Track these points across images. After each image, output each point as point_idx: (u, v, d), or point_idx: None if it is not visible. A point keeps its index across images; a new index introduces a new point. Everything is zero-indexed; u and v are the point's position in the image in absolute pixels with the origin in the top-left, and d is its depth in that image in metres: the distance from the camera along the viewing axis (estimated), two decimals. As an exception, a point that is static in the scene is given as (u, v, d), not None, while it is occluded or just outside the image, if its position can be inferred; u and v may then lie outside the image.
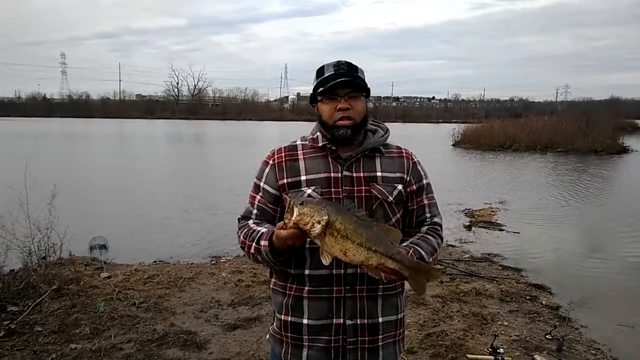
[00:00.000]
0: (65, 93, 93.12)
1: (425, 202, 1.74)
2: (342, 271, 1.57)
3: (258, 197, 1.69)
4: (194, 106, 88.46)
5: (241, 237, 1.66)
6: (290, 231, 1.43)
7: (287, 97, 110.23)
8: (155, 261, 6.34)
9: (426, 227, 1.72)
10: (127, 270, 5.58)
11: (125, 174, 16.17)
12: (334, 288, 1.58)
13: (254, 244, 1.58)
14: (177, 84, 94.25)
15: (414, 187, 1.71)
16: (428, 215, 1.73)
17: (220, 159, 22.07)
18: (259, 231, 1.59)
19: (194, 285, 5.18)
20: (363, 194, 1.60)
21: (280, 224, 1.48)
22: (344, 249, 1.40)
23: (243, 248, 1.65)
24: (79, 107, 79.49)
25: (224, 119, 74.18)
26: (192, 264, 6.15)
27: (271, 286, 1.74)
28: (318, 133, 1.68)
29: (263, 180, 1.69)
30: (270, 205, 1.68)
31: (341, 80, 1.59)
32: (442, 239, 1.74)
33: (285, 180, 1.64)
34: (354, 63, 1.67)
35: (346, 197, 1.59)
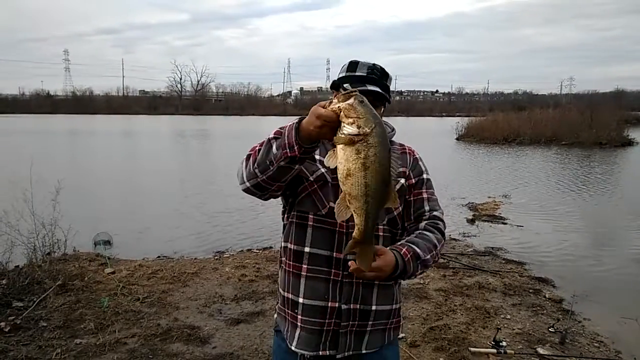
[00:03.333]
0: (69, 89, 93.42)
1: (425, 195, 1.73)
2: (342, 256, 1.59)
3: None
4: (197, 102, 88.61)
5: (253, 146, 1.51)
6: (329, 112, 1.27)
7: (290, 92, 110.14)
8: (159, 256, 6.37)
9: (425, 222, 1.70)
10: (131, 266, 5.60)
11: (129, 169, 16.23)
12: (332, 270, 1.60)
13: (271, 135, 1.44)
14: (180, 79, 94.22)
15: (413, 180, 1.72)
16: (427, 208, 1.71)
17: (223, 154, 22.08)
18: (271, 135, 1.44)
19: (197, 280, 5.20)
20: None
21: (324, 102, 1.32)
22: (352, 173, 1.27)
23: (250, 155, 1.50)
24: (82, 104, 79.84)
25: (227, 114, 74.29)
26: (195, 259, 6.17)
27: (281, 264, 1.74)
28: None
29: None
30: None
31: (369, 90, 1.59)
32: (442, 233, 1.71)
33: None
34: (386, 70, 1.68)
35: None
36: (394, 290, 1.72)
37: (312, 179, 1.61)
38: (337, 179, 1.53)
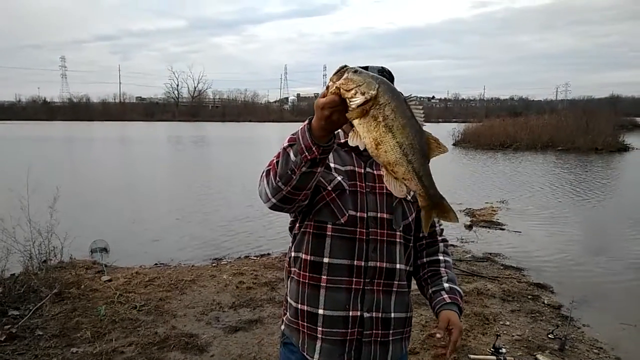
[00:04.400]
0: (66, 96, 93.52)
1: None
2: (363, 263, 1.57)
3: None
4: (194, 108, 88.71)
5: (271, 166, 1.44)
6: (330, 97, 1.21)
7: (287, 98, 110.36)
8: (156, 264, 6.34)
9: (441, 243, 1.81)
10: (128, 273, 5.57)
11: (126, 177, 16.19)
12: (354, 279, 1.57)
13: (285, 143, 1.38)
14: (177, 86, 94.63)
15: None
16: (437, 227, 1.82)
17: (220, 161, 22.08)
18: (293, 140, 1.37)
19: (195, 287, 5.17)
20: (385, 191, 1.62)
21: (322, 92, 1.26)
22: (380, 140, 1.18)
23: (269, 170, 1.44)
24: (79, 110, 79.87)
25: (224, 121, 74.32)
26: (192, 266, 6.14)
27: (290, 275, 1.70)
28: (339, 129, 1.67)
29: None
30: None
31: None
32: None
33: None
34: (393, 73, 1.69)
35: (369, 192, 1.61)
36: (409, 297, 1.71)
37: (330, 188, 1.58)
38: (355, 186, 1.59)
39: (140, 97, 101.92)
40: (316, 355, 1.60)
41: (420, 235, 1.78)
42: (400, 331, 1.68)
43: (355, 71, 1.19)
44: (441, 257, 1.80)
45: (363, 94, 1.16)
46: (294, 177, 1.36)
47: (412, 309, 1.75)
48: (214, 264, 6.25)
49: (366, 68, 1.66)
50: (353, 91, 1.16)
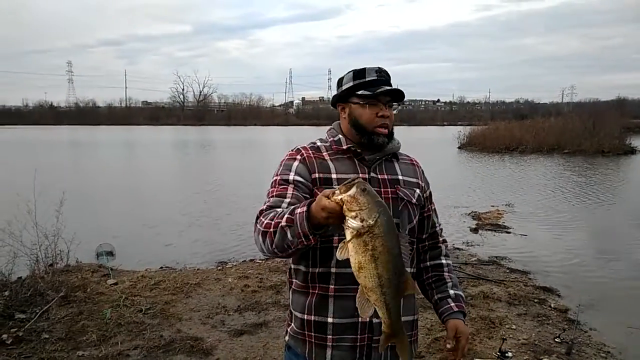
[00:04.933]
0: (72, 101, 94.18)
1: (433, 208, 1.84)
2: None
3: (290, 188, 1.57)
4: (200, 112, 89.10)
5: (265, 220, 1.48)
6: (332, 204, 1.27)
7: (292, 102, 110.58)
8: (161, 267, 6.35)
9: (442, 245, 1.85)
10: (133, 277, 5.59)
11: (132, 181, 16.25)
12: None
13: (286, 215, 1.41)
14: (183, 90, 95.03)
15: (427, 193, 1.79)
16: (438, 227, 1.85)
17: (226, 165, 22.13)
18: (295, 207, 1.42)
19: (200, 291, 5.18)
20: (390, 195, 1.63)
21: (329, 191, 1.31)
22: (363, 265, 1.27)
23: (266, 232, 1.46)
24: (85, 115, 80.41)
25: (230, 125, 74.50)
26: (198, 269, 6.15)
27: (292, 287, 1.70)
28: (340, 136, 1.68)
29: (293, 172, 1.60)
30: (306, 196, 1.56)
31: (388, 89, 1.61)
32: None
33: (317, 175, 1.61)
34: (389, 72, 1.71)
35: None
36: (414, 300, 1.72)
37: None
38: None
39: (146, 101, 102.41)
40: None
41: (423, 236, 1.80)
42: (409, 334, 1.68)
43: (364, 190, 1.25)
44: (444, 261, 1.83)
45: (362, 220, 1.23)
46: (290, 251, 1.45)
47: (418, 310, 1.75)
48: (219, 268, 6.25)
49: (363, 70, 1.67)
50: (354, 213, 1.23)
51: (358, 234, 1.25)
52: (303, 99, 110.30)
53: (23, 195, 5.60)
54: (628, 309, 4.99)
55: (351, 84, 1.68)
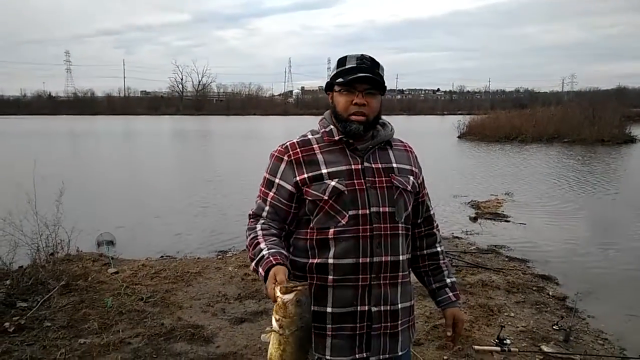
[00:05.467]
0: (70, 91, 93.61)
1: (426, 192, 1.84)
2: (368, 259, 1.58)
3: (271, 193, 1.67)
4: (199, 102, 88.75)
5: (247, 240, 1.64)
6: (271, 293, 1.41)
7: (291, 92, 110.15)
8: (162, 256, 6.38)
9: (438, 233, 1.87)
10: (134, 266, 5.61)
11: (132, 170, 16.25)
12: (360, 276, 1.59)
13: (253, 264, 1.57)
14: (182, 80, 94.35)
15: (420, 179, 1.79)
16: (431, 211, 1.86)
17: (225, 154, 22.11)
18: (261, 250, 1.55)
19: (200, 279, 5.21)
20: (385, 184, 1.63)
21: (280, 279, 1.41)
22: (271, 357, 1.38)
23: (249, 246, 1.63)
24: (84, 105, 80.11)
25: (229, 114, 74.28)
26: (198, 258, 6.18)
27: (290, 277, 1.68)
28: (332, 126, 1.67)
29: (278, 176, 1.66)
30: (284, 202, 1.65)
31: (361, 76, 1.59)
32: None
33: (305, 175, 1.62)
34: (376, 59, 1.67)
35: (370, 187, 1.61)
36: (410, 286, 1.75)
37: (326, 197, 1.59)
38: (352, 185, 1.60)
39: (145, 91, 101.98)
40: (327, 352, 1.62)
41: (418, 221, 1.81)
42: (407, 320, 1.72)
43: (298, 301, 1.34)
44: (439, 249, 1.85)
45: (281, 326, 1.35)
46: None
47: (414, 297, 1.78)
48: (219, 257, 6.28)
49: (345, 58, 1.66)
50: (278, 317, 1.35)
51: (277, 333, 1.36)
52: (302, 88, 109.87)
53: (23, 185, 5.60)
54: (627, 297, 5.03)
55: (334, 71, 1.68)
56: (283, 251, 1.56)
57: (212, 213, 9.32)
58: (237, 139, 30.04)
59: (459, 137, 28.73)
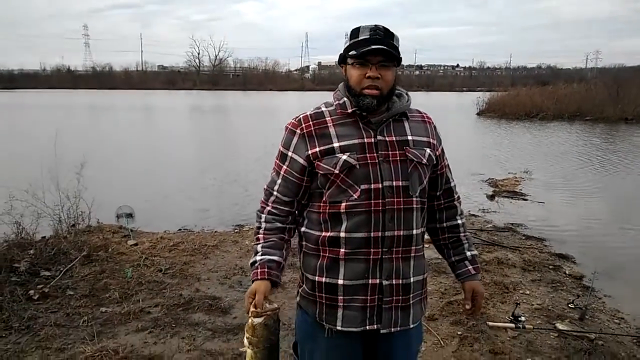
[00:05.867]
0: (89, 65, 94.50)
1: (446, 163, 1.81)
2: (380, 233, 1.58)
3: (284, 167, 1.68)
4: (215, 77, 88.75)
5: (255, 226, 1.75)
6: (247, 306, 1.59)
7: (308, 67, 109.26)
8: (180, 229, 6.48)
9: (458, 205, 1.86)
10: (153, 238, 5.72)
11: (150, 144, 16.41)
12: (372, 250, 1.59)
13: (250, 260, 1.70)
14: (199, 54, 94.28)
15: (439, 150, 1.75)
16: (452, 183, 1.82)
17: (243, 129, 22.14)
18: (256, 253, 1.68)
19: (217, 252, 5.29)
20: (398, 158, 1.60)
21: (258, 301, 1.57)
22: None
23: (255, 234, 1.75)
24: (102, 79, 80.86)
25: (245, 89, 74.17)
26: (215, 232, 6.26)
27: (303, 249, 1.73)
28: (345, 99, 1.64)
29: (291, 149, 1.66)
30: (296, 175, 1.66)
31: (374, 48, 1.53)
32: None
33: (317, 149, 1.61)
34: (391, 30, 1.61)
35: (382, 161, 1.59)
36: (424, 260, 1.74)
37: (337, 171, 1.58)
38: (365, 159, 1.58)
39: (162, 65, 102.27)
40: (339, 322, 1.64)
41: (438, 193, 1.78)
42: (420, 292, 1.72)
43: (266, 325, 1.54)
44: (459, 221, 1.83)
45: (250, 343, 1.54)
46: None
47: (426, 269, 1.77)
48: (236, 230, 6.36)
49: (358, 29, 1.61)
50: (248, 335, 1.54)
51: (248, 347, 1.56)
52: (319, 63, 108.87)
53: (45, 157, 5.70)
54: (644, 277, 4.97)
55: (347, 43, 1.62)
56: (275, 256, 1.65)
57: (230, 188, 9.39)
58: (256, 114, 30.02)
59: (477, 114, 28.28)
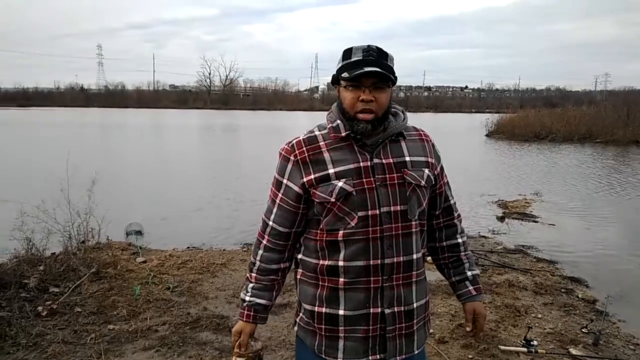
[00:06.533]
0: (102, 84, 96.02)
1: (446, 181, 1.75)
2: (379, 261, 1.52)
3: (280, 194, 1.64)
4: (226, 96, 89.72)
5: (250, 259, 1.76)
6: (232, 345, 1.71)
7: (317, 87, 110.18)
8: (188, 247, 6.48)
9: (458, 223, 1.80)
10: (161, 256, 5.72)
11: (160, 162, 16.53)
12: (372, 279, 1.54)
13: (240, 294, 1.76)
14: (209, 74, 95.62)
15: (438, 169, 1.69)
16: (452, 201, 1.77)
17: (251, 149, 22.27)
18: (247, 292, 1.72)
19: (225, 271, 5.27)
20: (396, 181, 1.55)
21: (242, 342, 1.69)
22: None
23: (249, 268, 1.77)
24: (115, 97, 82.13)
25: (255, 109, 74.82)
26: (224, 250, 6.25)
27: (298, 277, 1.69)
28: (339, 121, 1.58)
29: (286, 177, 1.62)
30: (292, 203, 1.61)
31: (367, 71, 1.47)
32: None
33: (312, 176, 1.55)
34: (384, 49, 1.55)
35: (380, 185, 1.53)
36: (426, 282, 1.69)
37: (333, 199, 1.52)
38: (361, 184, 1.53)
39: (174, 85, 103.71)
40: (340, 354, 1.58)
41: (437, 212, 1.73)
42: (423, 317, 1.67)
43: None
44: (460, 240, 1.77)
45: None
46: None
47: (428, 292, 1.72)
48: (244, 249, 6.34)
49: (350, 49, 1.55)
50: None
51: None
52: (328, 84, 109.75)
53: (56, 174, 5.76)
54: (659, 302, 4.87)
55: (340, 64, 1.56)
56: (264, 299, 1.70)
57: (238, 206, 9.41)
58: (265, 134, 30.21)
59: (487, 135, 28.28)
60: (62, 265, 4.74)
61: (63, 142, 17.51)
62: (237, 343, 1.66)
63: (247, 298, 1.69)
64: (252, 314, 1.68)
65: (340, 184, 1.52)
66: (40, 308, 3.93)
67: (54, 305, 4.00)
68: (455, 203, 1.79)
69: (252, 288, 1.69)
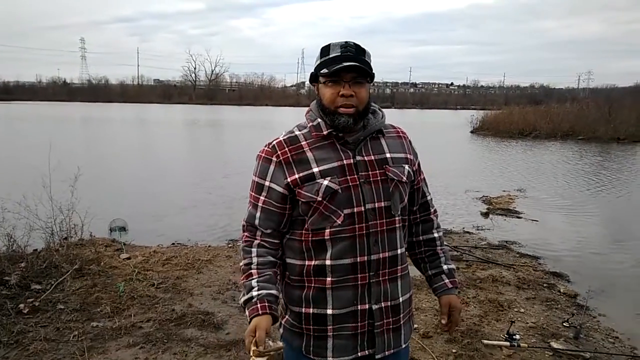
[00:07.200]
0: (85, 78, 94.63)
1: (422, 177, 1.78)
2: (366, 258, 1.54)
3: (262, 197, 1.61)
4: (211, 91, 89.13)
5: (242, 263, 1.62)
6: (247, 347, 1.44)
7: (303, 83, 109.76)
8: (173, 243, 6.43)
9: (435, 218, 1.82)
10: (146, 252, 5.67)
11: (144, 158, 16.38)
12: (359, 275, 1.55)
13: (241, 300, 1.57)
14: (195, 69, 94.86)
15: (416, 165, 1.73)
16: (428, 197, 1.80)
17: (237, 144, 22.16)
18: (252, 288, 1.54)
19: (211, 267, 5.25)
20: (379, 178, 1.57)
21: (260, 339, 1.44)
22: None
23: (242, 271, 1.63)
24: (98, 92, 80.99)
25: (241, 104, 74.38)
26: (209, 246, 6.22)
27: (285, 280, 1.66)
28: (319, 120, 1.59)
29: (268, 179, 1.59)
30: (277, 204, 1.59)
31: (346, 65, 1.49)
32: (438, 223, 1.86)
33: (296, 176, 1.55)
34: (362, 46, 1.57)
35: (363, 182, 1.55)
36: (409, 277, 1.72)
37: (319, 198, 1.52)
38: (346, 182, 1.54)
39: (158, 79, 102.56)
40: (329, 353, 1.58)
41: (414, 208, 1.76)
42: (408, 310, 1.70)
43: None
44: (436, 234, 1.80)
45: None
46: None
47: (412, 285, 1.75)
48: (229, 245, 6.32)
49: (328, 46, 1.57)
50: None
51: None
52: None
53: (38, 169, 5.67)
54: (638, 296, 4.98)
55: (318, 62, 1.57)
56: (273, 290, 1.54)
57: (223, 202, 9.37)
58: (251, 130, 30.08)
59: (471, 131, 28.51)
60: (44, 262, 4.68)
61: (45, 137, 17.22)
62: (254, 341, 1.45)
63: (255, 292, 1.52)
64: (266, 304, 1.50)
65: (325, 182, 1.52)
66: (21, 305, 3.87)
67: (35, 303, 3.95)
68: (432, 199, 1.82)
69: (258, 281, 1.55)
